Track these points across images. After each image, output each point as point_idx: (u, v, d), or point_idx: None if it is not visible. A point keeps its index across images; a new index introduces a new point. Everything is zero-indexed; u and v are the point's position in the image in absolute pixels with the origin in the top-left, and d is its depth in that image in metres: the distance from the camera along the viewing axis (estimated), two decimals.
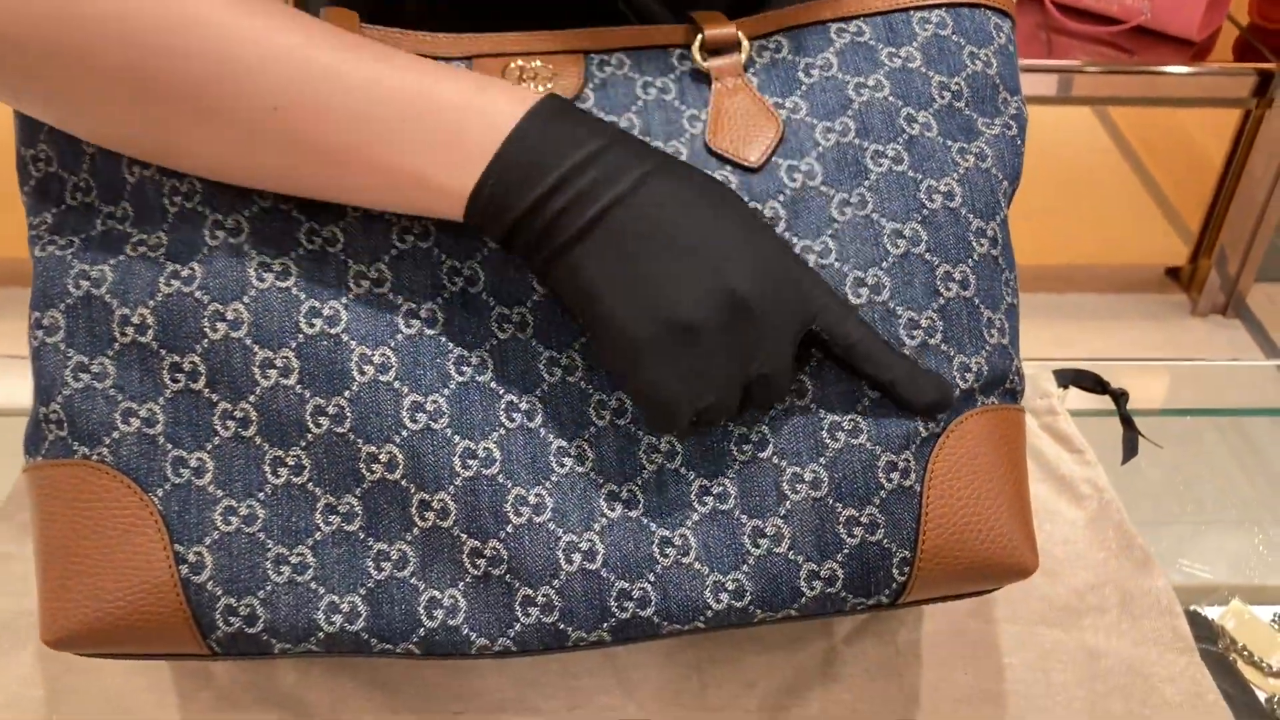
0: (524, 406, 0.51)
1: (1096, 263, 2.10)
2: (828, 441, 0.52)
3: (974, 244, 0.54)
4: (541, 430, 0.51)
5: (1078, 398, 0.80)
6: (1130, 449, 0.74)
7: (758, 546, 0.51)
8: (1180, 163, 2.05)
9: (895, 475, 0.52)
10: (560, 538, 0.50)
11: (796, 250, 0.52)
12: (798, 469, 0.52)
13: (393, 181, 0.47)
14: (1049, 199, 1.97)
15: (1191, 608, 0.72)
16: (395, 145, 0.46)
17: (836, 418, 0.52)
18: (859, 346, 0.50)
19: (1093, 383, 0.77)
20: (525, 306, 0.52)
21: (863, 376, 0.52)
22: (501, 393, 0.51)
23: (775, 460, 0.52)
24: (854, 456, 0.52)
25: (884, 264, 0.52)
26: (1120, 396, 0.75)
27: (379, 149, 0.46)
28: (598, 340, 0.48)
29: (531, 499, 0.50)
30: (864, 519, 0.52)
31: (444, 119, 0.46)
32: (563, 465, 0.51)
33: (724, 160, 0.53)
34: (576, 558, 0.50)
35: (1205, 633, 0.70)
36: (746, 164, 0.53)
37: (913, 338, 0.52)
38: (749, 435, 0.52)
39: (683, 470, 0.52)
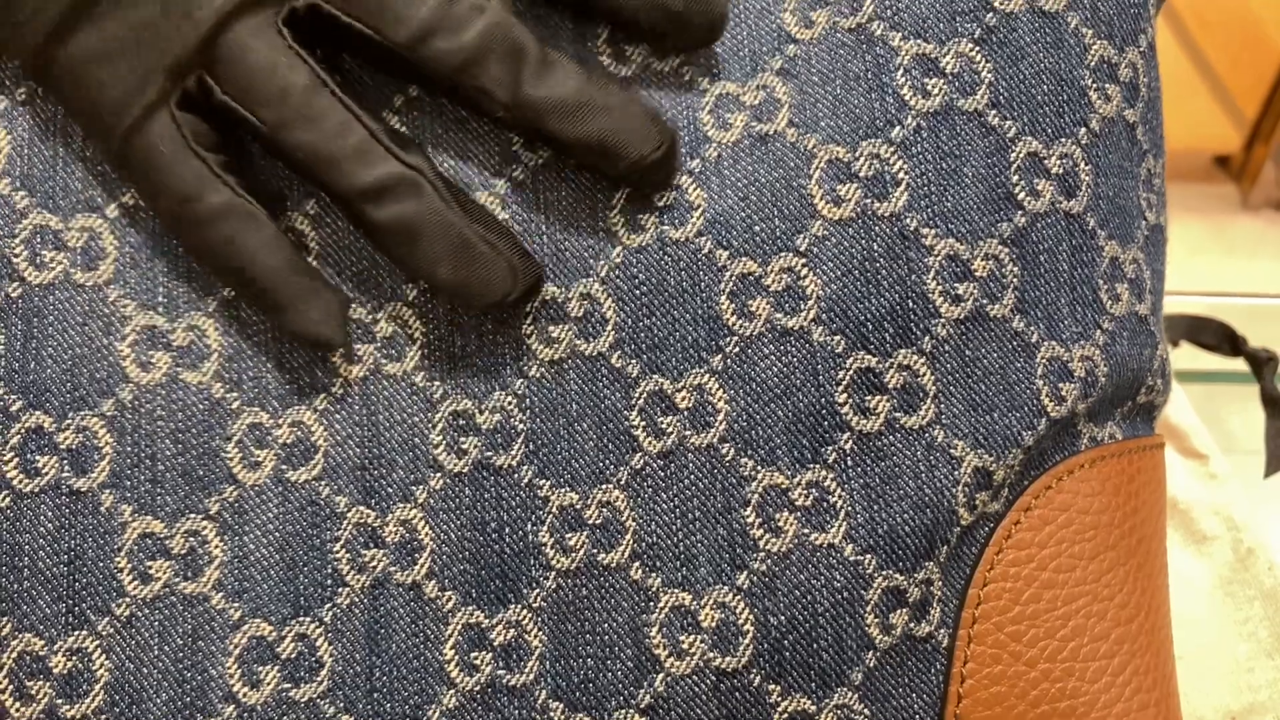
0: None
1: None
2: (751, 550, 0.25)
3: (1089, 93, 0.26)
4: None
5: (1184, 357, 0.52)
6: None
7: None
8: (1236, 38, 1.93)
9: (897, 618, 0.24)
10: None
11: None
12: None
13: None
14: None
15: None
16: None
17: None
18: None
19: (1219, 338, 0.49)
20: None
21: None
22: None
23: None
24: (812, 578, 0.24)
25: (886, 132, 0.26)
26: (1266, 362, 0.47)
27: None
28: None
29: None
30: (826, 712, 0.24)
31: None
32: None
33: None
34: None
35: None
36: None
37: (955, 302, 0.25)
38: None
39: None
